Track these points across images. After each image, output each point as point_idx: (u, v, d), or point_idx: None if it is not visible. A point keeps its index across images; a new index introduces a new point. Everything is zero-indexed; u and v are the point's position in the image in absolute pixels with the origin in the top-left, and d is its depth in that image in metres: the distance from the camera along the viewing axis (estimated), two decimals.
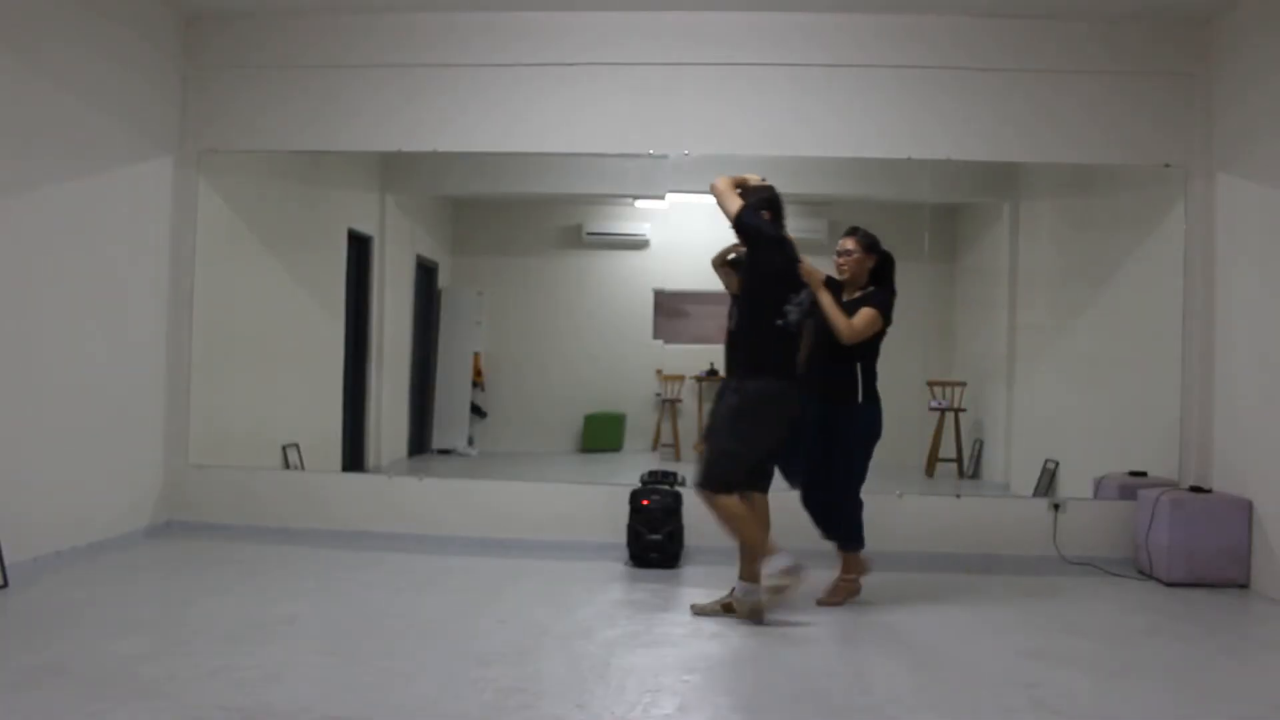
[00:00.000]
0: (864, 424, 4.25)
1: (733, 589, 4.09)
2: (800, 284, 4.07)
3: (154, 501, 5.37)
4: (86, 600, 4.01)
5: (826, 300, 4.14)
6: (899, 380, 7.28)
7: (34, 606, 3.88)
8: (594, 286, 7.83)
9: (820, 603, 4.21)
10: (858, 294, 4.30)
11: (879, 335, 4.24)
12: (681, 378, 7.76)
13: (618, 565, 4.97)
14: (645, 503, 5.02)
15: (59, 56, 4.56)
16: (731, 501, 3.97)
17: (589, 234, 7.77)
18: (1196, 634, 3.98)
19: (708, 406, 7.77)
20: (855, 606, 4.25)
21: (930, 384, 7.01)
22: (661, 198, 6.42)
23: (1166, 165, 5.28)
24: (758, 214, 4.04)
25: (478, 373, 7.82)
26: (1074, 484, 5.69)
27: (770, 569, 3.90)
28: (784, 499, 4.32)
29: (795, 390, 4.03)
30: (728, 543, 5.18)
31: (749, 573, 3.99)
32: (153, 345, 5.38)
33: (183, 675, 3.14)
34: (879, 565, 5.02)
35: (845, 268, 4.33)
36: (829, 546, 4.34)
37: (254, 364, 6.02)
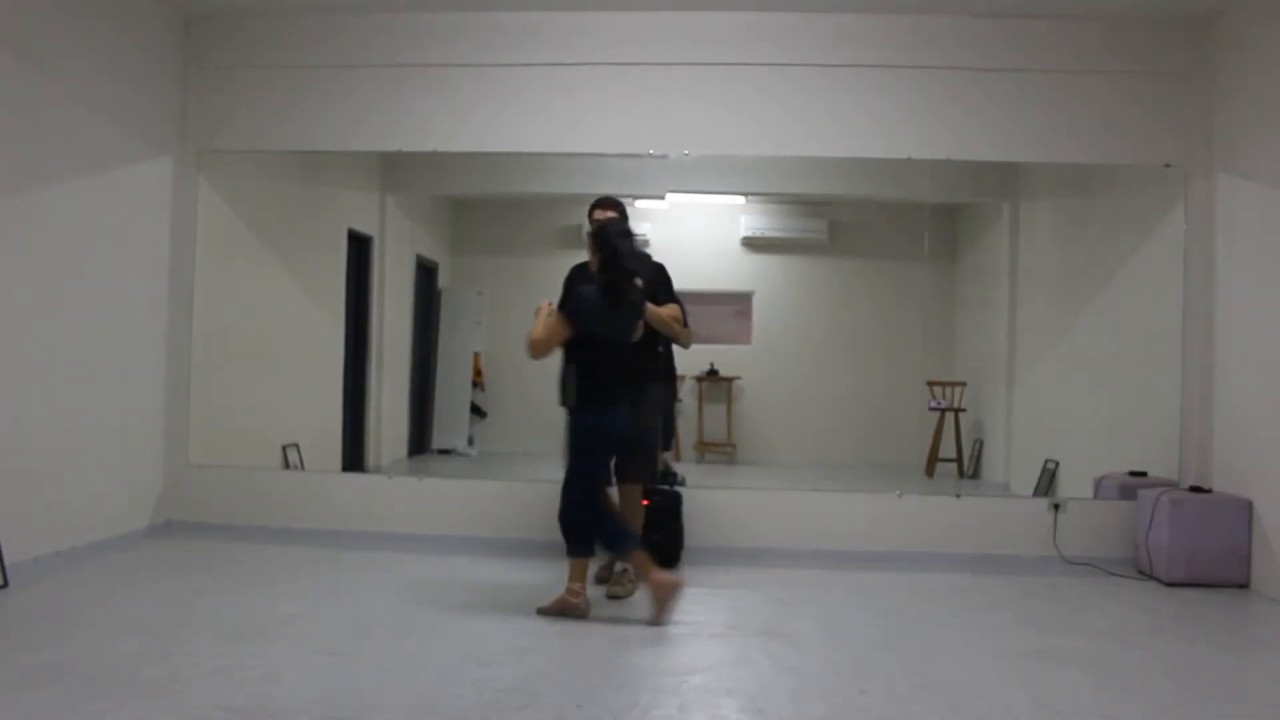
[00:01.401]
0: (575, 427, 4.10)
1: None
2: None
3: (154, 501, 5.37)
4: (86, 600, 4.01)
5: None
6: (899, 380, 7.34)
7: (34, 606, 3.88)
8: None
9: (541, 611, 3.96)
10: None
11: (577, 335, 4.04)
12: (682, 378, 7.76)
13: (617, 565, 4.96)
14: (645, 503, 5.01)
15: (59, 56, 4.56)
16: None
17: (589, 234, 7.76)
18: (1196, 634, 3.98)
19: (709, 407, 7.82)
20: (854, 606, 4.25)
21: (930, 384, 7.01)
22: (661, 198, 6.42)
23: (1166, 165, 5.29)
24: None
25: (478, 373, 7.81)
26: (1074, 484, 5.69)
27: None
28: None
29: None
30: (727, 543, 5.21)
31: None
32: (153, 345, 5.37)
33: (183, 675, 3.14)
34: (879, 565, 5.04)
35: None
36: None
37: (254, 364, 6.02)
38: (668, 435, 5.58)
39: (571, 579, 3.97)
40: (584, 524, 4.01)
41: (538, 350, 4.03)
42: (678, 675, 3.27)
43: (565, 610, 3.93)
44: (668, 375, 4.74)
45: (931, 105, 5.35)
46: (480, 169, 6.34)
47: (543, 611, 3.95)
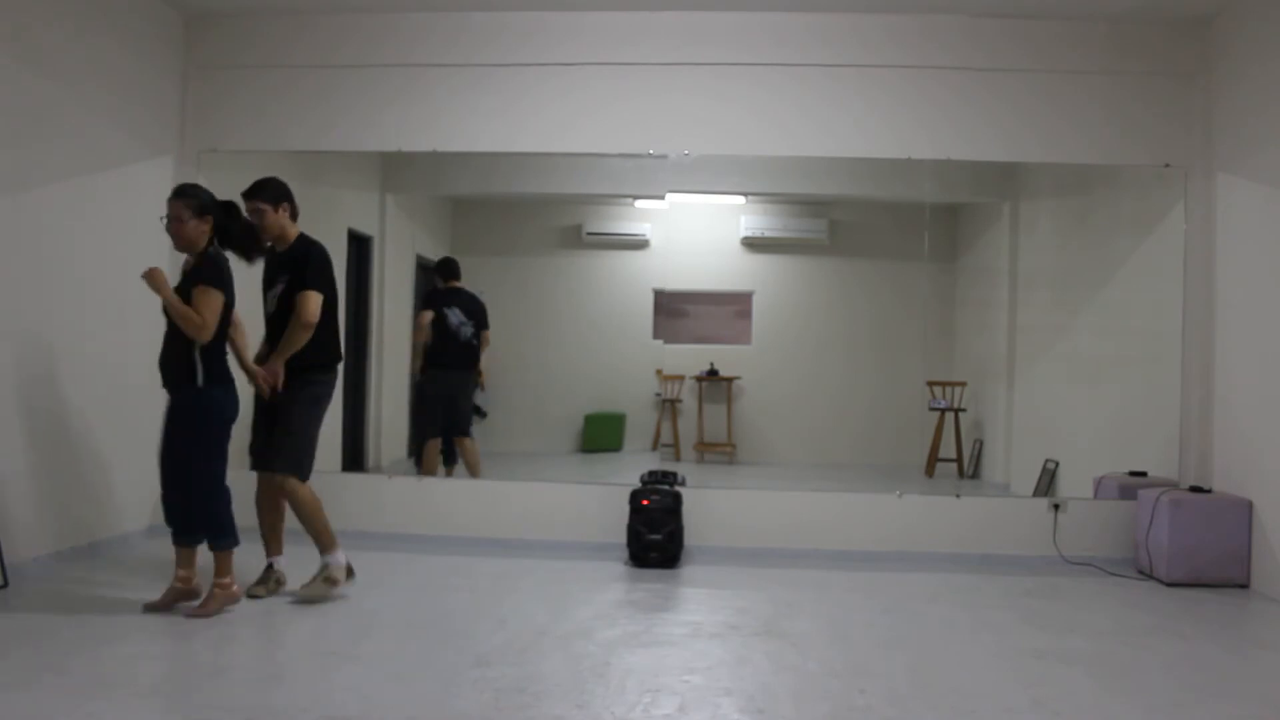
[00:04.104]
0: (206, 407, 3.87)
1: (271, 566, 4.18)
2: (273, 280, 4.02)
3: (154, 501, 5.35)
4: (86, 600, 4.01)
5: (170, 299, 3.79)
6: (899, 380, 7.34)
7: (34, 606, 3.88)
8: (594, 286, 7.83)
9: (191, 614, 3.75)
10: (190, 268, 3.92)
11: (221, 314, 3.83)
12: (681, 378, 7.76)
13: (618, 565, 4.97)
14: (645, 503, 5.03)
15: (59, 57, 4.56)
16: (309, 490, 4.10)
17: (589, 234, 7.76)
18: (1196, 634, 3.98)
19: (708, 407, 7.82)
20: (854, 606, 4.25)
21: (930, 384, 7.01)
22: (661, 198, 6.42)
23: (1166, 165, 5.29)
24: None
25: (478, 373, 7.81)
26: (1074, 484, 5.69)
27: (334, 561, 4.09)
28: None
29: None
30: (728, 543, 5.21)
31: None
32: (153, 345, 5.34)
33: (182, 675, 3.14)
34: (879, 565, 5.04)
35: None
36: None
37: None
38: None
39: (222, 574, 3.83)
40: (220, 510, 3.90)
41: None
42: (678, 675, 3.27)
43: (225, 603, 3.81)
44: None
45: (931, 105, 5.35)
46: (480, 169, 6.34)
47: (195, 614, 3.74)
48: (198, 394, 3.83)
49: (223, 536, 3.87)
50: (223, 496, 3.91)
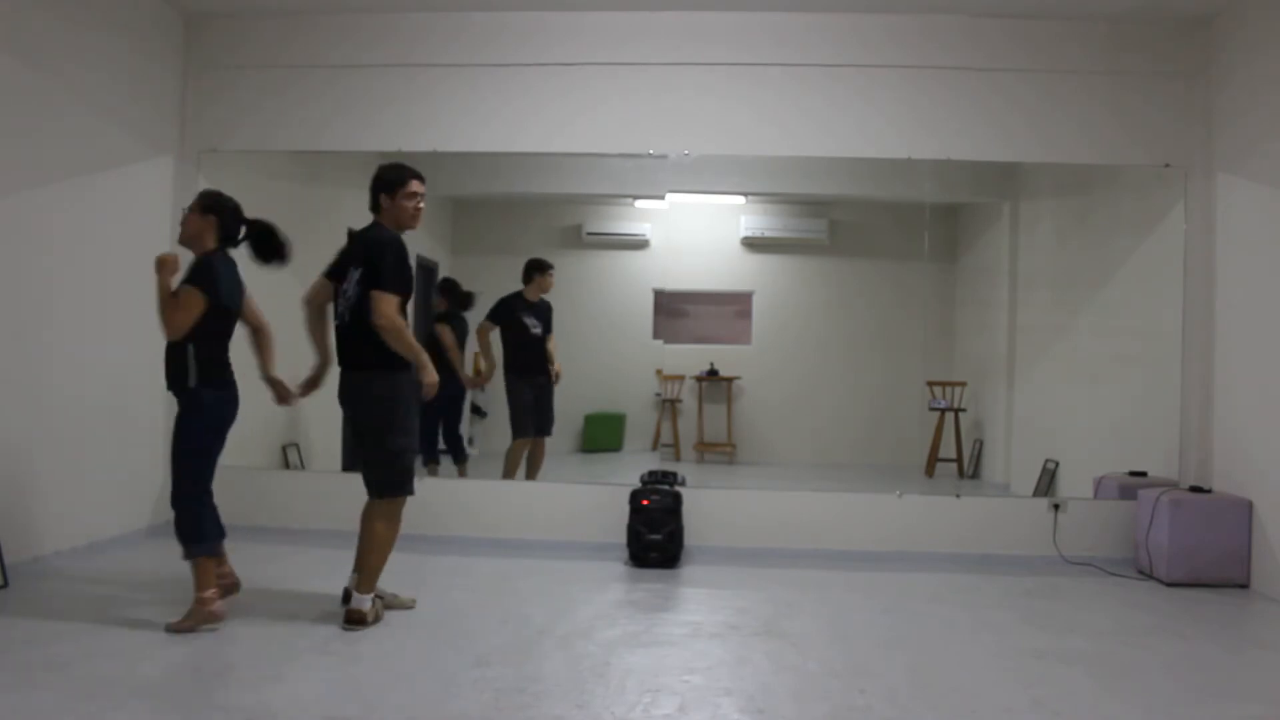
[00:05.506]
0: (194, 408, 3.78)
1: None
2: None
3: (154, 501, 5.37)
4: (87, 600, 4.01)
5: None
6: (899, 380, 7.34)
7: (34, 606, 3.88)
8: (594, 286, 7.83)
9: (172, 629, 3.58)
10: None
11: (207, 316, 3.73)
12: (681, 378, 7.77)
13: (618, 565, 4.97)
14: (645, 503, 5.03)
15: (59, 57, 4.56)
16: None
17: (589, 234, 7.76)
18: (1196, 633, 3.98)
19: (708, 407, 7.82)
20: (854, 606, 4.25)
21: (930, 384, 7.01)
22: (661, 198, 6.42)
23: (1166, 165, 5.29)
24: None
25: (477, 372, 7.81)
26: (1074, 484, 5.69)
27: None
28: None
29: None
30: (728, 543, 5.21)
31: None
32: (152, 345, 5.35)
33: (182, 675, 3.14)
34: (879, 565, 5.04)
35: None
36: None
37: (253, 363, 6.01)
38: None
39: (203, 587, 3.65)
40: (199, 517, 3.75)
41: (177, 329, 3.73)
42: (678, 675, 3.27)
43: (203, 620, 3.62)
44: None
45: (931, 105, 5.35)
46: (480, 169, 6.34)
47: (175, 628, 3.58)
48: (189, 395, 3.79)
49: (192, 543, 3.66)
50: (198, 501, 3.76)
